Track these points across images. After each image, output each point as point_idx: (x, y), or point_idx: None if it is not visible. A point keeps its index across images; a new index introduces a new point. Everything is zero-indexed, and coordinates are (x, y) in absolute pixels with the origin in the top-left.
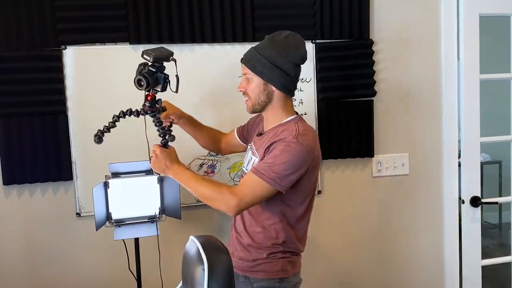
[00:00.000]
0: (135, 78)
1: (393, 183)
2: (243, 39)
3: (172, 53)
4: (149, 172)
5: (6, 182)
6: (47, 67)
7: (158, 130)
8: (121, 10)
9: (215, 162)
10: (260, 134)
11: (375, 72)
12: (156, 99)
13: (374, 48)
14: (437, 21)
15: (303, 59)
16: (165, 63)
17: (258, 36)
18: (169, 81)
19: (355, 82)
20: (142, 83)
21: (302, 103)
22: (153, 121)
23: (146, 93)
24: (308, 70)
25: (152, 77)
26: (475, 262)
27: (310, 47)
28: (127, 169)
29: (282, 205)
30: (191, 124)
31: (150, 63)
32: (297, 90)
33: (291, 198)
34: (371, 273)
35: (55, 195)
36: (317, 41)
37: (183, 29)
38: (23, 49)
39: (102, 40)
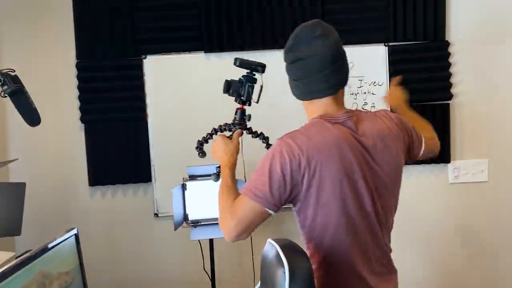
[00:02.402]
0: (224, 82)
1: (471, 190)
2: None
3: (263, 65)
4: None
5: (92, 183)
6: (128, 76)
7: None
8: (195, 20)
9: None
10: None
11: (451, 74)
12: (246, 113)
13: (450, 49)
14: None
15: (286, 51)
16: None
17: None
18: (251, 90)
19: (430, 85)
20: (225, 86)
21: (374, 106)
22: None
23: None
24: (381, 73)
25: (236, 84)
26: None
27: (383, 50)
28: (204, 172)
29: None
30: None
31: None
32: (369, 93)
33: (300, 217)
34: (447, 284)
35: (135, 196)
36: (390, 43)
37: (254, 36)
38: (107, 59)
39: (178, 49)
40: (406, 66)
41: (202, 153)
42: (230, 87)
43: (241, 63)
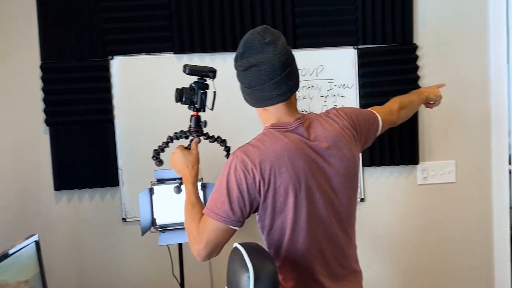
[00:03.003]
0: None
1: (439, 191)
2: None
3: (213, 70)
4: None
5: (57, 188)
6: (95, 77)
7: (211, 140)
8: (165, 21)
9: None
10: None
11: (419, 77)
12: (201, 120)
13: (418, 52)
14: (485, 22)
15: (237, 58)
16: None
17: (299, 43)
18: (205, 97)
19: (399, 87)
20: (176, 96)
21: None
22: (205, 139)
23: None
24: (350, 76)
25: (188, 92)
26: None
27: (352, 52)
28: (172, 175)
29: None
30: None
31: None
32: (339, 96)
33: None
34: (415, 283)
35: (102, 200)
36: (360, 46)
37: (225, 38)
38: (73, 60)
39: (147, 50)
40: (375, 69)
41: (159, 162)
42: (182, 95)
43: (191, 70)
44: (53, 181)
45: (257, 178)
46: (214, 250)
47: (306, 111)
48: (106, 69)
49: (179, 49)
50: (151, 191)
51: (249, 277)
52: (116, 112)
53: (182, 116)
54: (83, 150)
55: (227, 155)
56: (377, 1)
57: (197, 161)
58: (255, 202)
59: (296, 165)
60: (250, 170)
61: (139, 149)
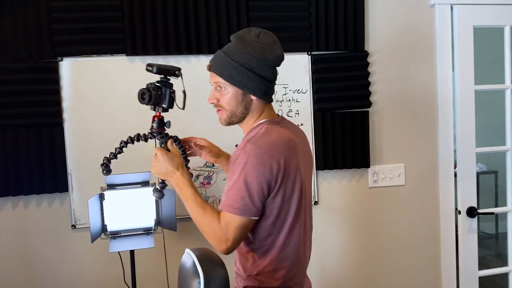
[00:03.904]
0: (138, 92)
1: (389, 193)
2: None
3: (179, 68)
4: (144, 184)
5: (1, 194)
6: (43, 79)
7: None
8: (118, 22)
9: (211, 173)
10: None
11: (370, 83)
12: (165, 120)
13: (369, 59)
14: (432, 33)
15: (281, 59)
16: (172, 80)
17: None
18: (174, 96)
19: (351, 93)
20: (145, 97)
21: (298, 113)
22: (161, 144)
23: (155, 113)
24: (304, 81)
25: (156, 92)
26: (472, 273)
27: (306, 58)
28: (123, 180)
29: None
30: (228, 161)
31: (156, 76)
32: (293, 101)
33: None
34: (366, 284)
35: (50, 207)
36: (313, 52)
37: (179, 40)
38: (20, 61)
39: (99, 52)
40: (328, 74)
41: (107, 171)
42: (151, 96)
43: (158, 69)
44: None
45: (274, 168)
46: (239, 243)
47: None
48: (55, 70)
49: (132, 51)
50: (101, 196)
51: (199, 283)
52: (66, 115)
53: (135, 119)
54: (30, 155)
55: (185, 157)
56: (330, 9)
57: (183, 162)
58: (271, 190)
59: (298, 156)
60: (265, 161)
61: (89, 153)
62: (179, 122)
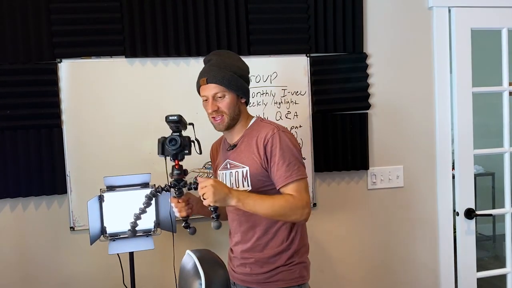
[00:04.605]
0: (166, 139)
1: (388, 195)
2: (239, 53)
3: (191, 124)
4: (144, 185)
5: None
6: (42, 81)
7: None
8: (117, 24)
9: (210, 175)
10: (232, 148)
11: (369, 85)
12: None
13: (368, 61)
14: (430, 35)
15: (247, 70)
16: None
17: (253, 49)
18: (194, 142)
19: (349, 95)
20: (174, 143)
21: (297, 115)
22: (176, 194)
23: (172, 161)
24: (303, 83)
25: (184, 138)
26: (470, 274)
27: (304, 60)
28: (122, 182)
29: None
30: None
31: (175, 125)
32: (292, 102)
33: None
34: (365, 285)
35: (49, 209)
36: (312, 54)
37: (178, 42)
38: (19, 62)
39: (98, 54)
40: (327, 76)
41: (134, 233)
42: (185, 146)
43: (182, 122)
44: None
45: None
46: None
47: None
48: (54, 72)
49: (131, 53)
50: (100, 198)
51: (201, 284)
52: (64, 117)
53: (133, 122)
54: (29, 156)
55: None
56: (329, 11)
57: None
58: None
59: None
60: (292, 135)
61: (88, 155)
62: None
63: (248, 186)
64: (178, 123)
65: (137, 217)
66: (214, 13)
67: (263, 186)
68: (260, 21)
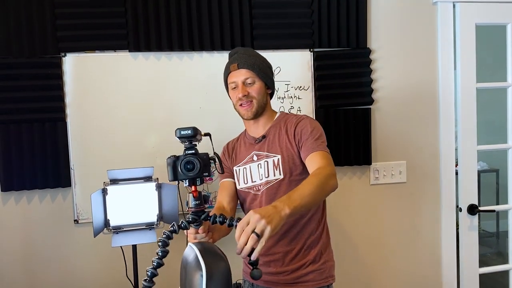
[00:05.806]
0: (177, 160)
1: (390, 191)
2: (242, 47)
3: (207, 134)
4: (147, 179)
5: (4, 189)
6: (46, 74)
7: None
8: (121, 18)
9: (213, 170)
10: (261, 139)
11: (372, 80)
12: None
13: (371, 56)
14: (434, 30)
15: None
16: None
17: (257, 44)
18: (214, 159)
19: (353, 90)
20: (189, 167)
21: (300, 110)
22: (195, 225)
23: (188, 187)
24: (306, 78)
25: (202, 157)
26: (472, 270)
27: (308, 55)
28: (126, 175)
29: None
30: (217, 230)
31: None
32: (295, 97)
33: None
34: (367, 280)
35: (53, 202)
36: (315, 49)
37: (182, 37)
38: (23, 56)
39: (102, 48)
40: (330, 71)
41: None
42: (205, 167)
43: (198, 137)
44: (0, 182)
45: None
46: None
47: None
48: (58, 66)
49: (135, 47)
50: (104, 191)
51: (202, 276)
52: (69, 111)
53: (137, 115)
54: (33, 150)
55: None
56: (332, 6)
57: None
58: None
59: None
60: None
61: (92, 148)
62: (182, 118)
63: (280, 174)
64: (193, 138)
65: (153, 273)
66: (218, 7)
67: (295, 175)
68: (263, 16)
